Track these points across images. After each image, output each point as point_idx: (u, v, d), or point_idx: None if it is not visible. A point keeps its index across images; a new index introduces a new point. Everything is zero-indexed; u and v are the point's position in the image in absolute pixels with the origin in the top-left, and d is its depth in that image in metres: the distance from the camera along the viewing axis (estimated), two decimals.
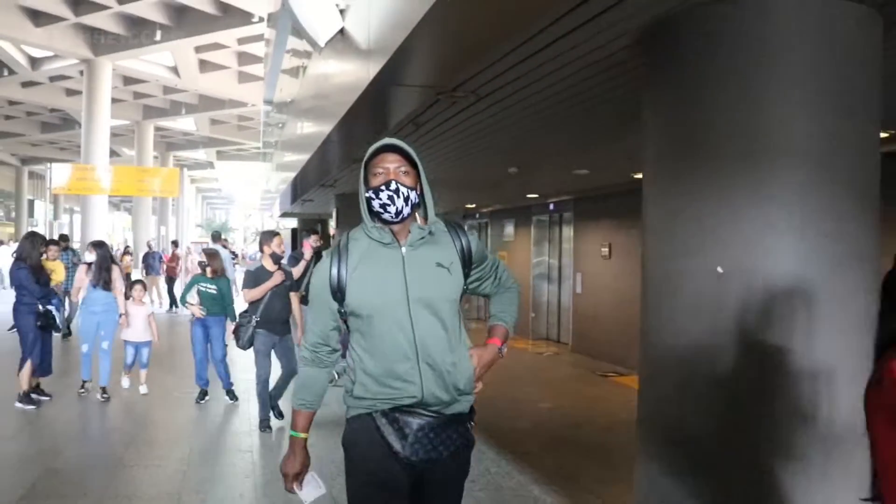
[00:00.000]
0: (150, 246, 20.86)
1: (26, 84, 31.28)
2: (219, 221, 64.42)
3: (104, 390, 7.60)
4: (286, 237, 20.39)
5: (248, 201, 53.59)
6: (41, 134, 40.84)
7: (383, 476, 2.27)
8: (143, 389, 7.99)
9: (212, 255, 7.78)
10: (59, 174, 18.97)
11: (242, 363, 8.78)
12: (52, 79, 31.42)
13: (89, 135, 27.36)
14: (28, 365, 7.13)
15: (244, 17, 23.95)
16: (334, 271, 2.30)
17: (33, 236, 7.53)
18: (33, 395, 7.22)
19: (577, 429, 7.62)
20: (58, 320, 7.31)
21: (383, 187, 2.23)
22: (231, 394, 7.72)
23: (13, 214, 51.23)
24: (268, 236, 6.77)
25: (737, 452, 2.86)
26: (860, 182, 2.90)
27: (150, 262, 18.19)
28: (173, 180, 17.87)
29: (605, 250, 11.59)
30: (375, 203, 2.26)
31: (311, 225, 17.32)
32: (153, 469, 5.44)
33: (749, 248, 2.81)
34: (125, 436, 6.39)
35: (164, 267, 18.30)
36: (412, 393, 2.23)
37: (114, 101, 29.64)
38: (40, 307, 7.08)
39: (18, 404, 7.09)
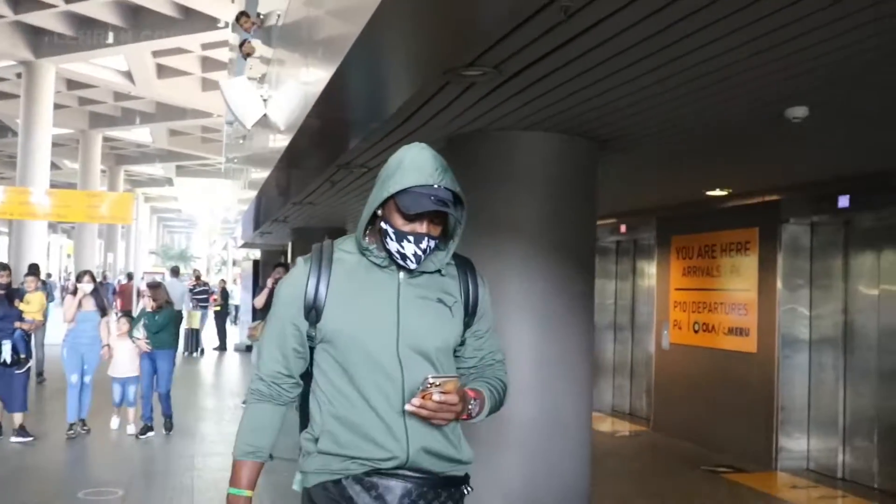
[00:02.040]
0: (105, 277, 23.83)
1: None
2: (178, 248, 68.04)
3: (84, 423, 9.73)
4: (247, 269, 23.42)
5: (212, 225, 56.70)
6: None
7: None
8: (130, 429, 9.84)
9: (154, 287, 10.38)
10: None
11: (178, 401, 11.62)
12: None
13: (27, 145, 30.36)
14: None
15: (208, 22, 26.96)
16: (311, 283, 2.36)
17: None
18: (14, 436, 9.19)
19: None
20: (4, 354, 9.00)
21: (411, 238, 2.31)
22: (168, 421, 9.97)
23: None
24: None
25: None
26: (574, 244, 5.72)
27: (104, 296, 21.20)
28: (126, 206, 20.76)
29: None
30: (393, 245, 2.33)
31: (275, 258, 20.22)
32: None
33: (500, 278, 5.59)
34: (85, 467, 9.25)
35: (117, 301, 21.16)
36: (394, 452, 2.28)
37: (56, 106, 32.57)
38: None
39: None
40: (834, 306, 8.82)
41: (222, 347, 21.46)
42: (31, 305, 9.68)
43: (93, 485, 7.56)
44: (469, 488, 2.45)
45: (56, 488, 7.58)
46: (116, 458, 9.03)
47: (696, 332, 10.25)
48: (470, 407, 2.31)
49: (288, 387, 2.46)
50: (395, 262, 2.38)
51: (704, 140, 6.04)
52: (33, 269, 13.65)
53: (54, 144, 34.06)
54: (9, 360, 9.09)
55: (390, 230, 2.33)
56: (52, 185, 32.85)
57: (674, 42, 3.61)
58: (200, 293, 21.14)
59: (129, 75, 33.32)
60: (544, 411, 5.47)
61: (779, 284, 9.00)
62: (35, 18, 28.07)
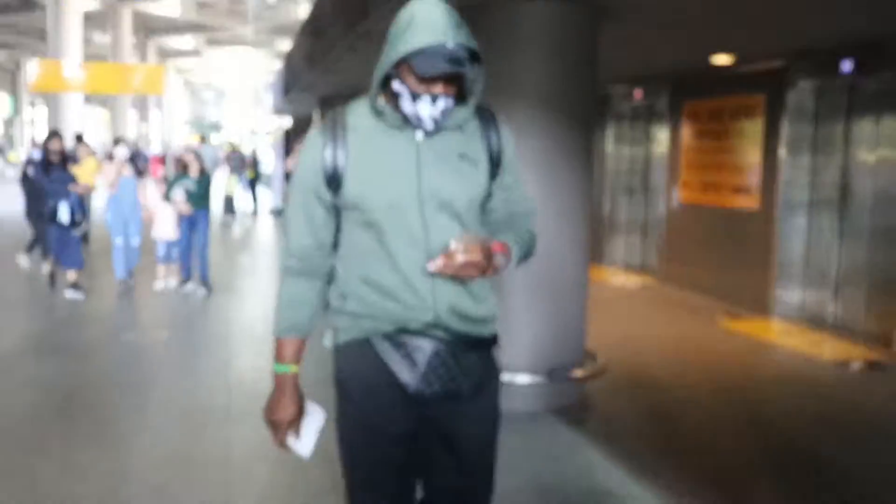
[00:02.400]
0: (137, 147, 24.56)
1: None
2: (210, 118, 68.45)
3: (131, 274, 10.52)
4: (278, 139, 23.93)
5: (243, 95, 56.91)
6: None
7: (386, 417, 2.35)
8: (171, 283, 10.74)
9: (196, 154, 11.03)
10: (31, 70, 22.30)
11: (217, 260, 12.30)
12: None
13: (58, 19, 30.61)
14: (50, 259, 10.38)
15: None
16: (328, 153, 2.33)
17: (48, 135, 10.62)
18: (68, 291, 9.98)
19: None
20: (62, 215, 9.67)
21: (427, 99, 2.26)
22: (207, 284, 10.53)
23: None
24: None
25: None
26: (574, 106, 6.14)
27: (138, 163, 21.94)
28: (157, 77, 21.21)
29: None
30: (408, 106, 2.28)
31: (303, 125, 20.65)
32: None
33: None
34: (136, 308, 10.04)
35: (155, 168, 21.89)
36: (423, 311, 2.31)
37: None
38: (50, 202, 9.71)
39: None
40: (833, 170, 9.17)
41: (255, 212, 22.21)
42: (84, 170, 10.12)
43: (139, 329, 8.32)
44: (496, 348, 2.48)
45: (106, 331, 8.37)
46: (160, 308, 9.79)
47: (704, 191, 10.68)
48: (496, 260, 2.29)
49: (320, 258, 2.44)
50: (415, 124, 2.31)
51: (702, 4, 6.34)
52: (80, 138, 14.18)
53: (84, 19, 34.11)
54: (66, 221, 9.64)
55: (405, 91, 2.27)
56: (85, 59, 33.16)
57: None
58: (235, 160, 21.76)
59: None
60: (543, 260, 5.98)
61: (782, 148, 9.36)
62: None
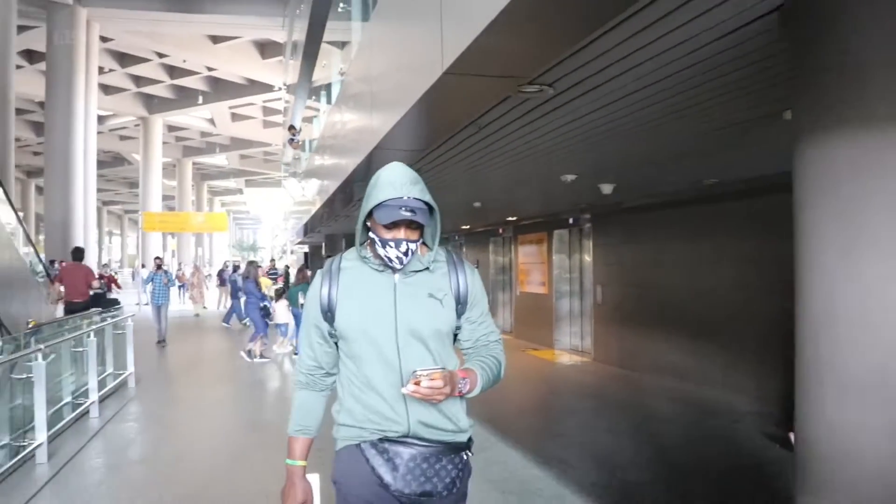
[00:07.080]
0: (225, 265, 30.92)
1: None
2: (248, 241, 75.53)
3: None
4: (300, 258, 30.68)
5: (274, 223, 63.95)
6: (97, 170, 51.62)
7: None
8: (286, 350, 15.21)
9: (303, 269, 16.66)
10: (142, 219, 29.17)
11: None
12: (112, 129, 42.30)
13: (146, 174, 38.07)
14: (259, 338, 14.57)
15: (267, 87, 34.24)
16: (325, 291, 2.54)
17: (251, 263, 16.37)
18: (258, 359, 14.21)
19: None
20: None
21: (392, 244, 2.45)
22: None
23: None
24: None
25: None
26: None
27: (224, 276, 28.12)
28: (222, 220, 27.86)
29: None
30: (381, 250, 2.48)
31: (317, 250, 27.43)
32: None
33: None
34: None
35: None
36: (398, 424, 2.47)
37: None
38: (262, 304, 14.53)
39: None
40: (576, 272, 15.79)
41: None
42: (263, 283, 16.10)
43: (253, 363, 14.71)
44: (469, 453, 2.59)
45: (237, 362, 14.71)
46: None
47: (528, 285, 17.30)
48: (460, 385, 2.45)
49: (320, 376, 2.66)
50: (388, 265, 2.50)
51: (488, 206, 13.00)
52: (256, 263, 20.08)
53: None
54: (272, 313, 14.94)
55: (377, 238, 2.47)
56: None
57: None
58: (273, 273, 28.07)
59: (211, 121, 40.70)
60: None
61: (555, 259, 16.00)
62: (150, 90, 35.62)
